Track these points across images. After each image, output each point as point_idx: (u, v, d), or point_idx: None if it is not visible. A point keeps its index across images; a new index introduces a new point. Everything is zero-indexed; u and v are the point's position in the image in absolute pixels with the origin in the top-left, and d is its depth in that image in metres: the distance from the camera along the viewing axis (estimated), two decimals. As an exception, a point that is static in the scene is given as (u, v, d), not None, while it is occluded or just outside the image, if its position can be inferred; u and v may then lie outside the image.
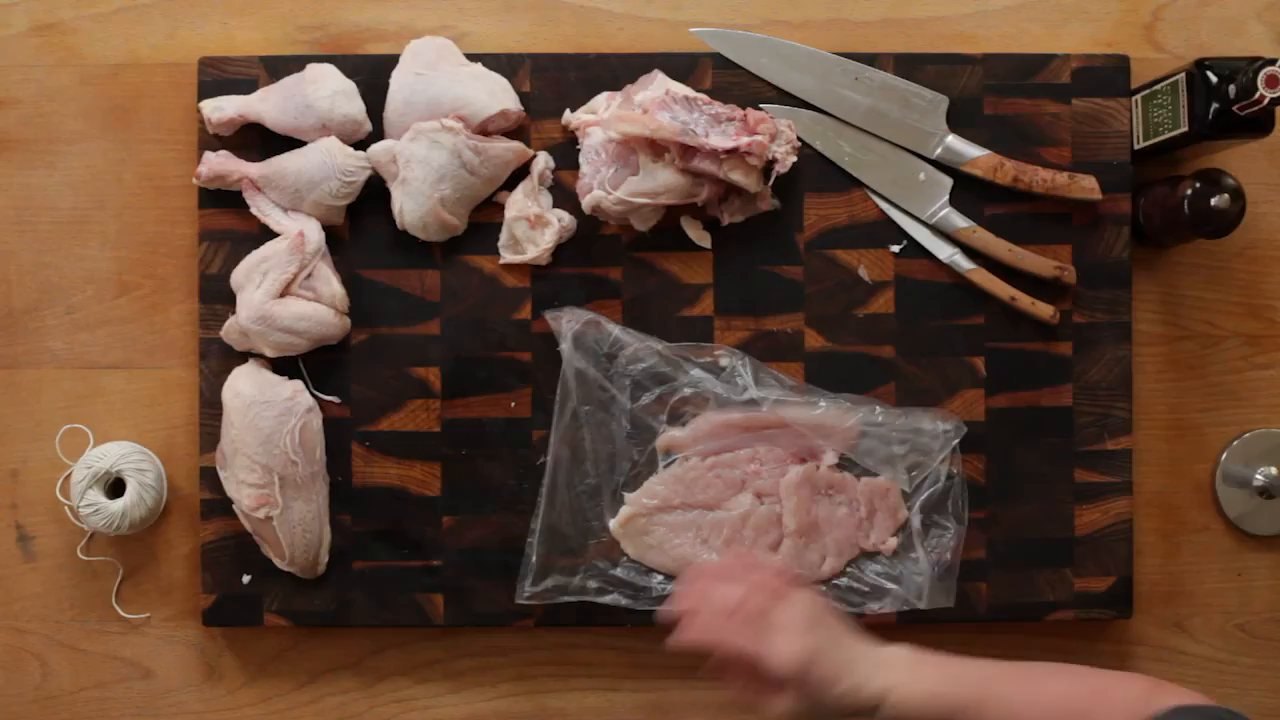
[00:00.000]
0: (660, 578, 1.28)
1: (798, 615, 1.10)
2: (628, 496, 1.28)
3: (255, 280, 1.26)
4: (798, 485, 1.27)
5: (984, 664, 1.09)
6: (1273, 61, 1.15)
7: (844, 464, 1.29)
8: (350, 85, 1.28)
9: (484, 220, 1.30)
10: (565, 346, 1.27)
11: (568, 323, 1.27)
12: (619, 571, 1.29)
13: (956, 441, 1.27)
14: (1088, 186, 1.28)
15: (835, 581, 1.28)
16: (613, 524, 1.28)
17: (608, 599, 1.28)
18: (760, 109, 1.29)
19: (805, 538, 1.27)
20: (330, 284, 1.28)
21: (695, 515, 1.28)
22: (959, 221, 1.29)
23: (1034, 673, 1.10)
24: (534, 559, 1.28)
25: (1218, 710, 0.97)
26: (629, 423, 1.28)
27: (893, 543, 1.28)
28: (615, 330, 1.28)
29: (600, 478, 1.28)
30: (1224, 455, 1.34)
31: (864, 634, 1.11)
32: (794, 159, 1.27)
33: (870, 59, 1.30)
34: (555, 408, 1.28)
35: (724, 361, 1.28)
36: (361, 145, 1.29)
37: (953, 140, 1.30)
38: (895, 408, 1.28)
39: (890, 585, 1.28)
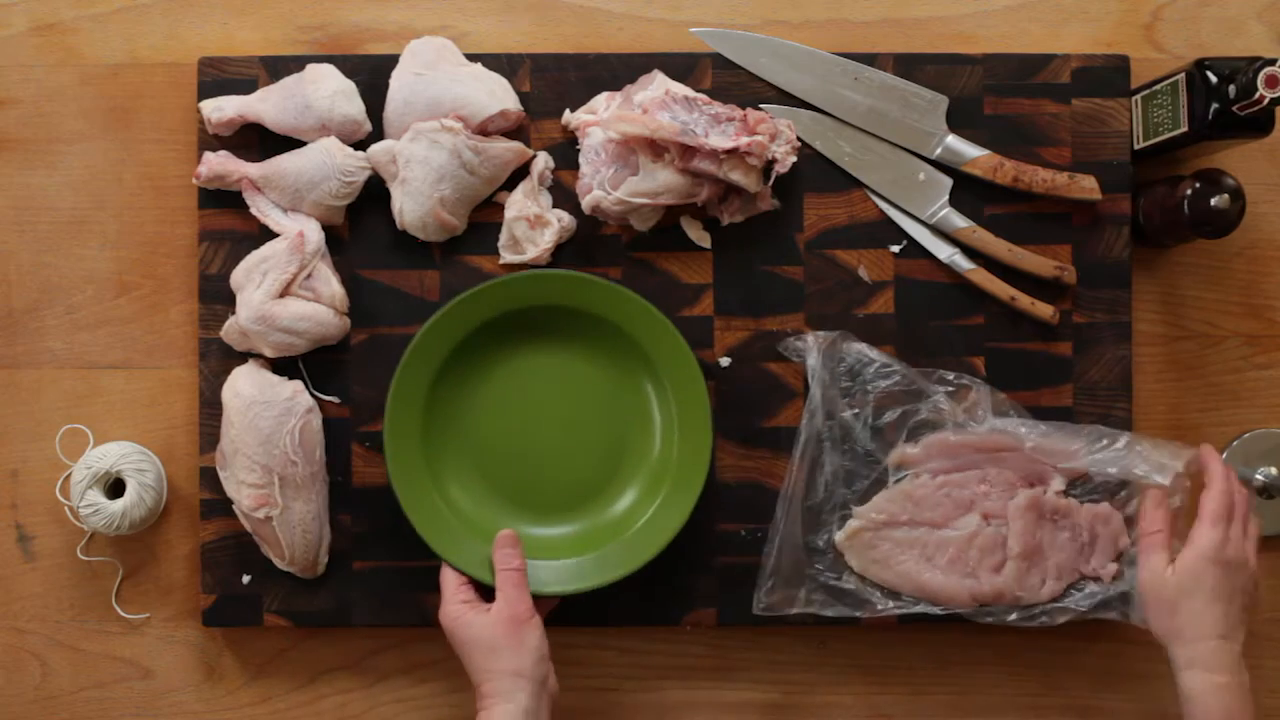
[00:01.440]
0: (882, 592, 1.28)
1: (1229, 551, 1.17)
2: (856, 510, 1.28)
3: (255, 280, 1.26)
4: (1025, 509, 1.26)
5: None
6: (1273, 61, 1.15)
7: (1071, 489, 1.29)
8: (350, 85, 1.28)
9: (484, 220, 1.30)
10: (813, 362, 1.27)
11: (817, 339, 1.28)
12: (844, 584, 1.28)
13: (1183, 467, 1.25)
14: (1088, 186, 1.28)
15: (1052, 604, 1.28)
16: (839, 537, 1.28)
17: (832, 611, 1.28)
18: (760, 109, 1.29)
19: (1028, 561, 1.26)
20: (330, 284, 1.28)
21: (922, 533, 1.28)
22: (959, 221, 1.29)
23: None
24: (769, 570, 1.27)
25: None
26: (869, 440, 1.28)
27: (1112, 568, 1.27)
28: (860, 347, 1.28)
29: (834, 492, 1.28)
30: (1224, 455, 1.34)
31: (1242, 625, 1.17)
32: (794, 159, 1.27)
33: (870, 59, 1.30)
34: (802, 421, 1.28)
35: (965, 383, 1.28)
36: (361, 145, 1.29)
37: (953, 140, 1.30)
38: (1129, 435, 1.26)
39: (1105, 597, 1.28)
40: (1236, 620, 1.17)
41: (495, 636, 1.18)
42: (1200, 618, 1.16)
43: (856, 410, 1.28)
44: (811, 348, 1.28)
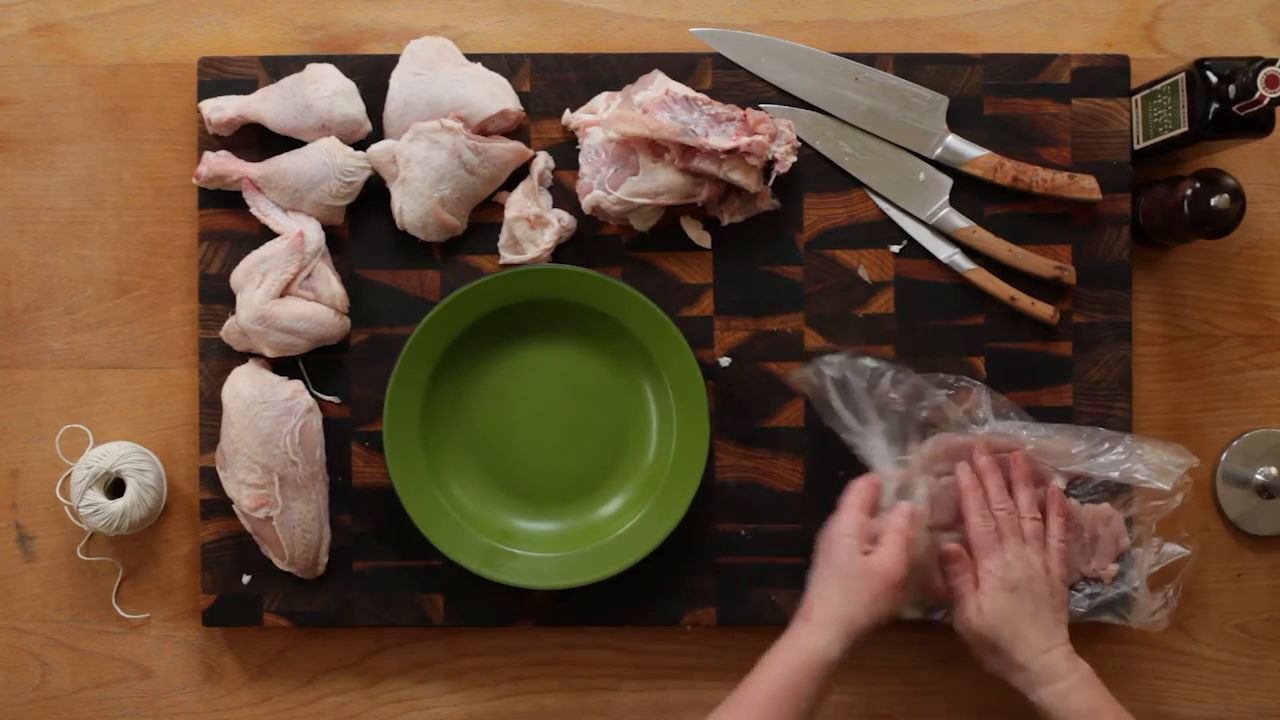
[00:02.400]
0: None
1: (1013, 572, 1.20)
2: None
3: (255, 280, 1.26)
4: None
5: None
6: (1273, 61, 1.15)
7: (1071, 489, 1.29)
8: (350, 85, 1.28)
9: (484, 220, 1.30)
10: (829, 387, 1.25)
11: (828, 367, 1.26)
12: None
13: (1184, 473, 1.25)
14: (1087, 186, 1.28)
15: None
16: None
17: None
18: (760, 109, 1.29)
19: None
20: (330, 284, 1.28)
21: (927, 534, 1.27)
22: (959, 221, 1.29)
23: None
24: None
25: None
26: (884, 446, 1.26)
27: (1113, 569, 1.27)
28: (870, 362, 1.26)
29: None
30: (1224, 455, 1.34)
31: (1060, 624, 1.19)
32: (794, 159, 1.27)
33: (870, 59, 1.30)
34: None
35: (965, 385, 1.27)
36: (361, 145, 1.29)
37: (953, 140, 1.30)
38: (1129, 437, 1.26)
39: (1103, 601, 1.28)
40: (1051, 627, 1.19)
41: (859, 582, 1.16)
42: (1016, 646, 1.18)
43: (871, 417, 1.25)
44: (826, 377, 1.26)
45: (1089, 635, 1.33)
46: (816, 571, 1.19)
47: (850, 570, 1.17)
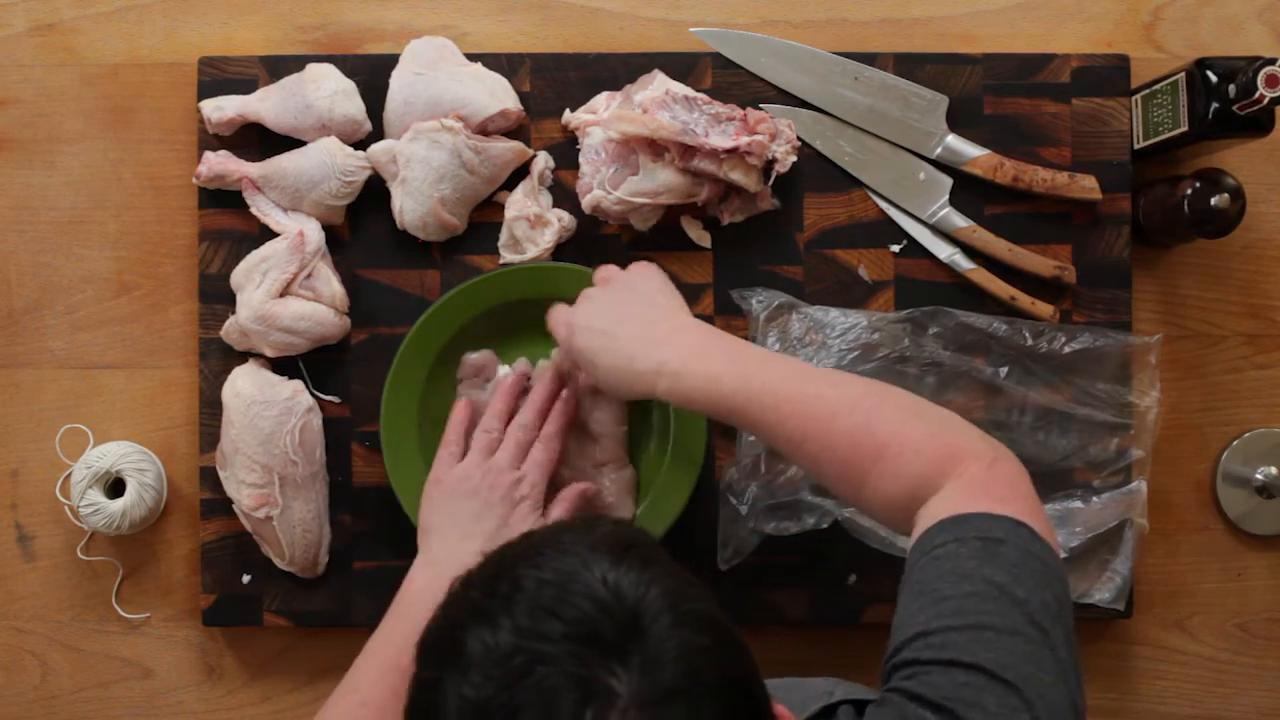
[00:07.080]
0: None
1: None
2: None
3: (255, 280, 1.26)
4: None
5: (785, 367, 1.06)
6: (1273, 61, 1.15)
7: None
8: (350, 85, 1.28)
9: (484, 220, 1.30)
10: (756, 331, 1.27)
11: (759, 303, 1.27)
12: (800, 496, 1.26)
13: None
14: (1088, 186, 1.28)
15: None
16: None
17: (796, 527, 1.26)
18: (760, 109, 1.29)
19: None
20: (330, 284, 1.28)
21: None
22: (959, 221, 1.29)
23: (837, 396, 1.02)
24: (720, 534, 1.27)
25: (996, 523, 0.91)
26: None
27: None
28: (812, 311, 1.27)
29: None
30: (1224, 455, 1.34)
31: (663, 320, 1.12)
32: (794, 159, 1.27)
33: (870, 59, 1.31)
34: None
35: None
36: (361, 145, 1.29)
37: (953, 140, 1.30)
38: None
39: None
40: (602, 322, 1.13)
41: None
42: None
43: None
44: (755, 314, 1.27)
45: (1090, 634, 1.33)
46: None
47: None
